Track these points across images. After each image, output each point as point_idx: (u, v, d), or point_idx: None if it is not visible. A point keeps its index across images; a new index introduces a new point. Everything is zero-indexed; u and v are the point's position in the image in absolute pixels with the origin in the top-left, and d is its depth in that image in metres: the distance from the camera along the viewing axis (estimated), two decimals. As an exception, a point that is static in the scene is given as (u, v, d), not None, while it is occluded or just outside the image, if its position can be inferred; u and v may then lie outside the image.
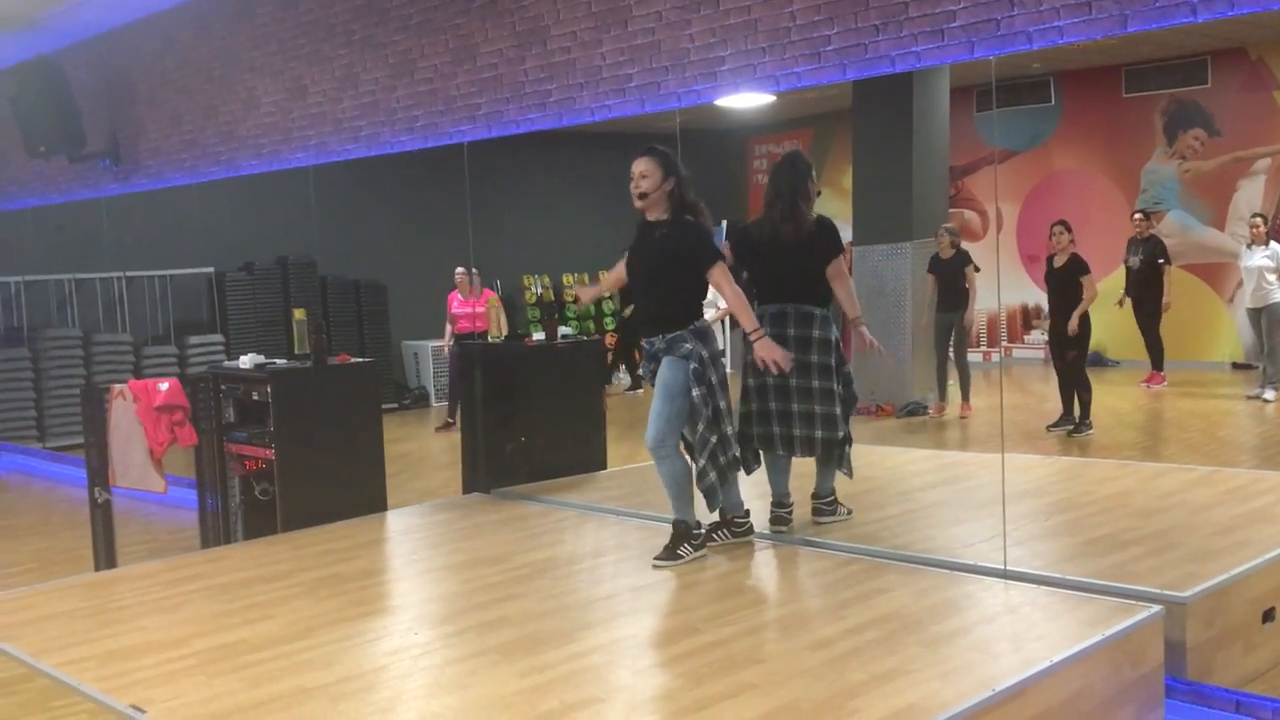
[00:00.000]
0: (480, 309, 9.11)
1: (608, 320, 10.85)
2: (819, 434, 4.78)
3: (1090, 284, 7.58)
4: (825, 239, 4.86)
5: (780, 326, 4.78)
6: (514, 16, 5.96)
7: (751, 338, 4.49)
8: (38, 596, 4.49)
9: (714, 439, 4.48)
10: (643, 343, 4.67)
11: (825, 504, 5.04)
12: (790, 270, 4.83)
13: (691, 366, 4.42)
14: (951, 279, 7.88)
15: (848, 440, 4.85)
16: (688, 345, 4.45)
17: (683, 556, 4.49)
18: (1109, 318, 8.66)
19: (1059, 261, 7.69)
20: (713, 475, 4.51)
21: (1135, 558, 4.24)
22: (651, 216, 4.59)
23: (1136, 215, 8.66)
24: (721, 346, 5.30)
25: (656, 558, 4.48)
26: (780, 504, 4.98)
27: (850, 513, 5.08)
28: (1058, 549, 4.61)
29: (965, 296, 8.00)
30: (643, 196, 4.53)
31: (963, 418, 7.72)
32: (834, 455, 4.85)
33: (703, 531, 4.62)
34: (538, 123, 5.93)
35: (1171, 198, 9.44)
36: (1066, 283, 7.60)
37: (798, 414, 4.81)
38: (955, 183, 9.29)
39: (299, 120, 7.29)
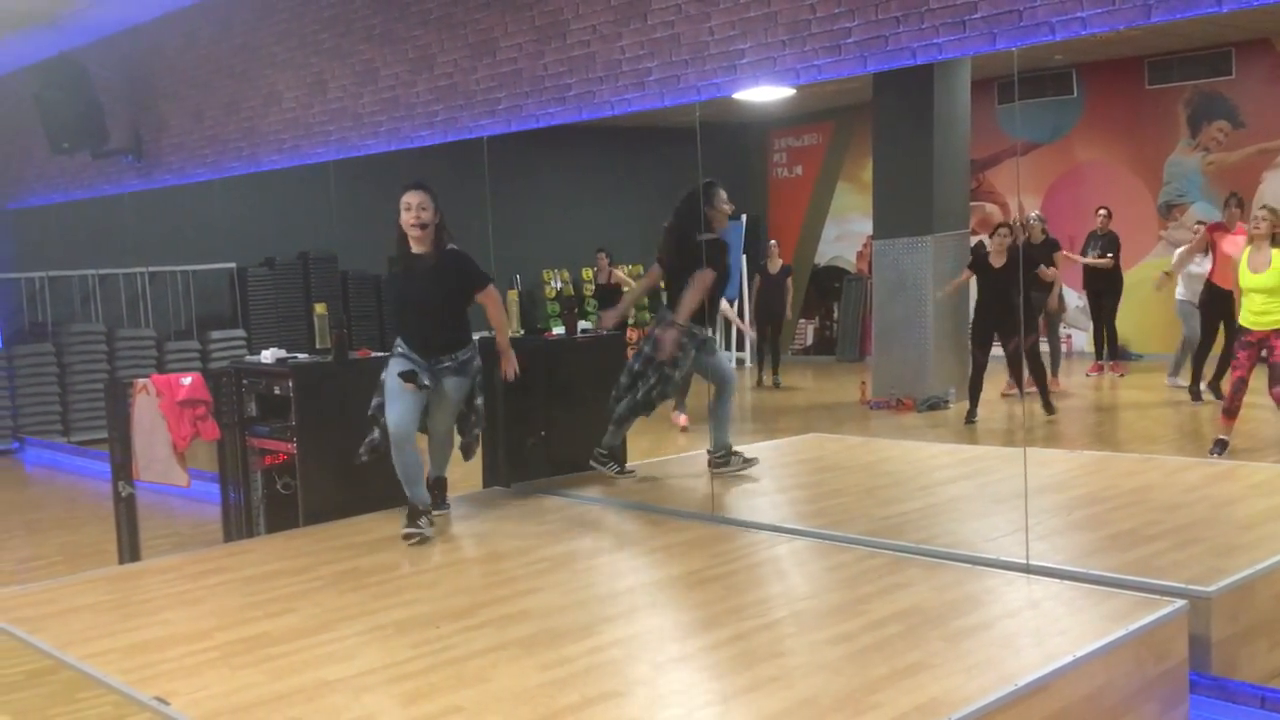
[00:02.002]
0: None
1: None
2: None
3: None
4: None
5: None
6: (533, 10, 5.96)
7: (500, 350, 5.47)
8: (63, 590, 4.53)
9: (475, 419, 5.39)
10: (410, 356, 5.13)
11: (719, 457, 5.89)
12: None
13: (479, 379, 5.31)
14: (1036, 266, 7.93)
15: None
16: (477, 363, 5.27)
17: (422, 529, 4.99)
18: (1131, 309, 8.60)
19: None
20: (478, 433, 5.45)
21: (1159, 552, 4.21)
22: (418, 249, 5.08)
23: (1100, 211, 8.67)
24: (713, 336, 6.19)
25: (402, 533, 5.02)
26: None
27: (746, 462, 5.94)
28: (1080, 543, 4.58)
29: (1050, 283, 8.03)
30: (423, 227, 5.02)
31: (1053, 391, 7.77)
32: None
33: (429, 506, 5.18)
34: (557, 117, 5.93)
35: (1195, 190, 9.35)
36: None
37: None
38: (976, 176, 9.23)
39: (319, 115, 7.31)
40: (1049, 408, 7.42)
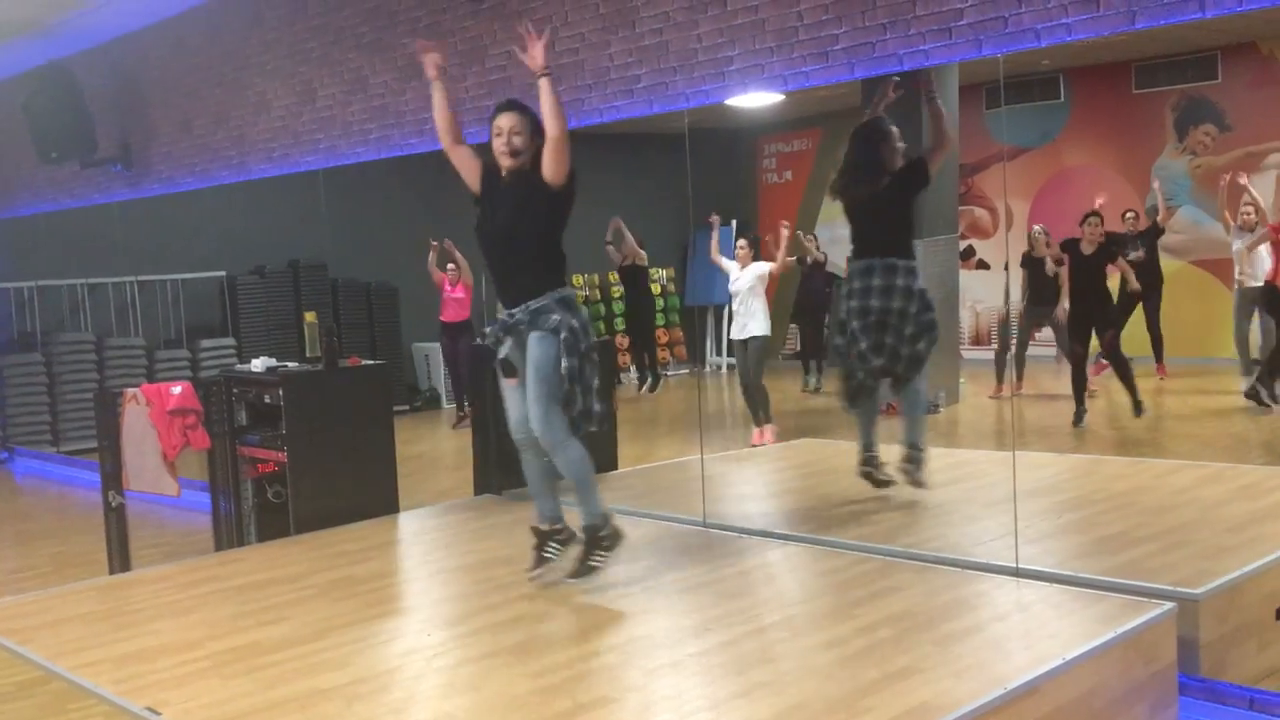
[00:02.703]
0: (456, 295, 9.37)
1: (618, 322, 10.86)
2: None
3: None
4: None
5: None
6: (521, 19, 5.97)
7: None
8: (53, 600, 4.52)
9: (580, 399, 4.10)
10: (500, 317, 4.24)
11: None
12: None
13: (562, 336, 4.03)
14: (1041, 275, 7.98)
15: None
16: (555, 316, 4.06)
17: (597, 566, 4.14)
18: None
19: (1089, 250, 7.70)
20: (593, 426, 4.21)
21: (1148, 555, 4.24)
22: (504, 176, 4.18)
23: (1130, 214, 8.66)
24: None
25: (569, 576, 4.16)
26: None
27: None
28: (1070, 546, 4.60)
29: (1058, 292, 8.07)
30: (515, 155, 4.13)
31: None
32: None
33: (613, 527, 4.21)
34: (546, 124, 5.93)
35: (1183, 194, 9.39)
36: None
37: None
38: (965, 180, 9.26)
39: (309, 124, 7.31)
40: (1138, 407, 7.10)
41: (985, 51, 4.29)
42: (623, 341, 10.96)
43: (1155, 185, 8.37)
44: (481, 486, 6.24)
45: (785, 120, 9.99)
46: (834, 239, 9.46)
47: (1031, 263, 8.02)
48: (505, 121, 4.18)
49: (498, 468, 6.19)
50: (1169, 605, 3.63)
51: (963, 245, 9.11)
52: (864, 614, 3.76)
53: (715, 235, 8.12)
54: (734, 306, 7.98)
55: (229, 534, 5.76)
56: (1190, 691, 3.64)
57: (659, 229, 8.83)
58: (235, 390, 5.74)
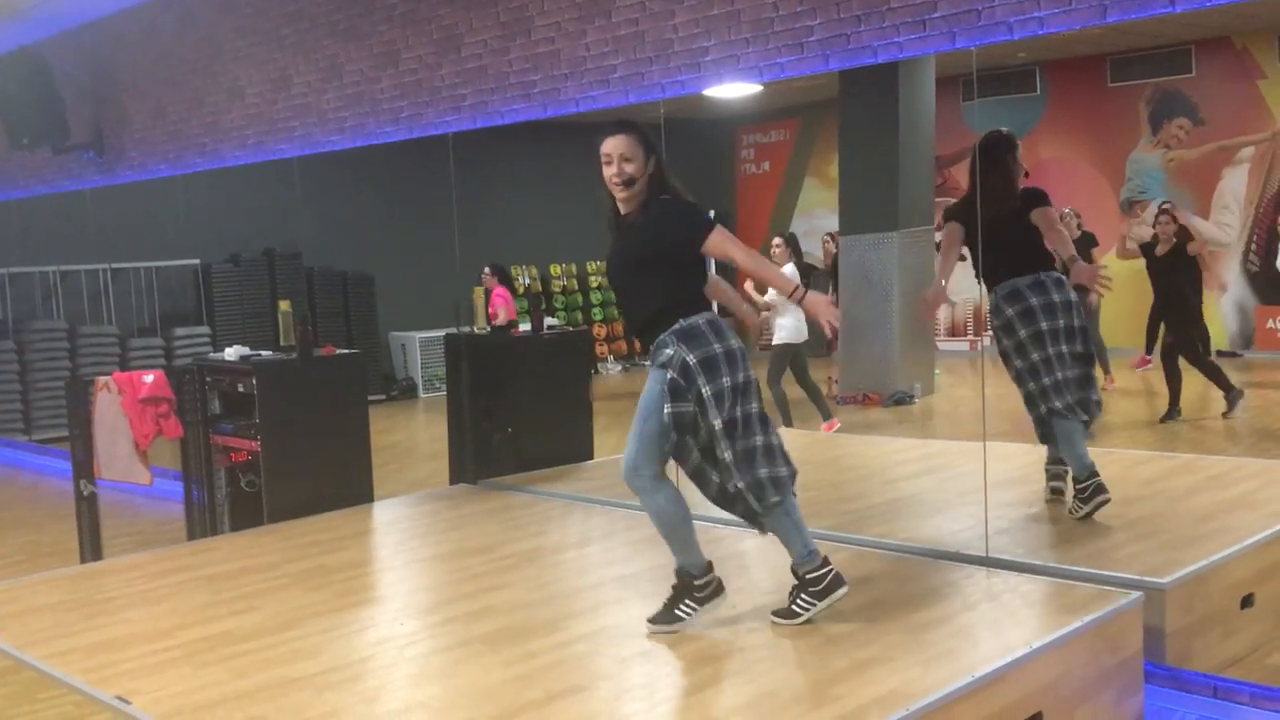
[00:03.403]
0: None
1: (595, 311, 10.86)
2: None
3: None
4: None
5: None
6: (498, 7, 5.95)
7: (793, 299, 3.63)
8: (24, 589, 4.49)
9: (728, 455, 3.52)
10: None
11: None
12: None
13: (668, 376, 3.52)
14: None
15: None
16: (668, 351, 3.55)
17: (683, 617, 3.60)
18: (1113, 304, 8.65)
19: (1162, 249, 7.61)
20: (750, 499, 3.56)
21: (1116, 545, 4.28)
22: (625, 209, 3.69)
23: (1166, 204, 8.63)
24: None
25: (650, 618, 3.64)
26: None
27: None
28: (1039, 536, 4.64)
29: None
30: (629, 183, 3.61)
31: (1105, 389, 7.73)
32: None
33: (712, 579, 3.67)
34: (522, 114, 5.93)
35: (1156, 187, 9.47)
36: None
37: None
38: (941, 172, 9.31)
39: (283, 111, 7.27)
40: (1232, 405, 6.85)
41: (959, 44, 4.31)
42: (601, 331, 10.96)
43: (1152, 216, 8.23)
44: (456, 476, 6.24)
45: (763, 111, 10.00)
46: (810, 230, 9.49)
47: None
48: (611, 146, 3.63)
49: (473, 457, 6.19)
50: (1135, 595, 3.67)
51: (938, 237, 9.13)
52: (835, 603, 3.78)
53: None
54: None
55: (202, 523, 5.74)
56: (1156, 679, 3.69)
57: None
58: (209, 379, 5.71)
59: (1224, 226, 8.70)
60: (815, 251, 9.31)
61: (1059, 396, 4.67)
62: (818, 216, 9.90)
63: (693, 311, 3.60)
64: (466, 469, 6.21)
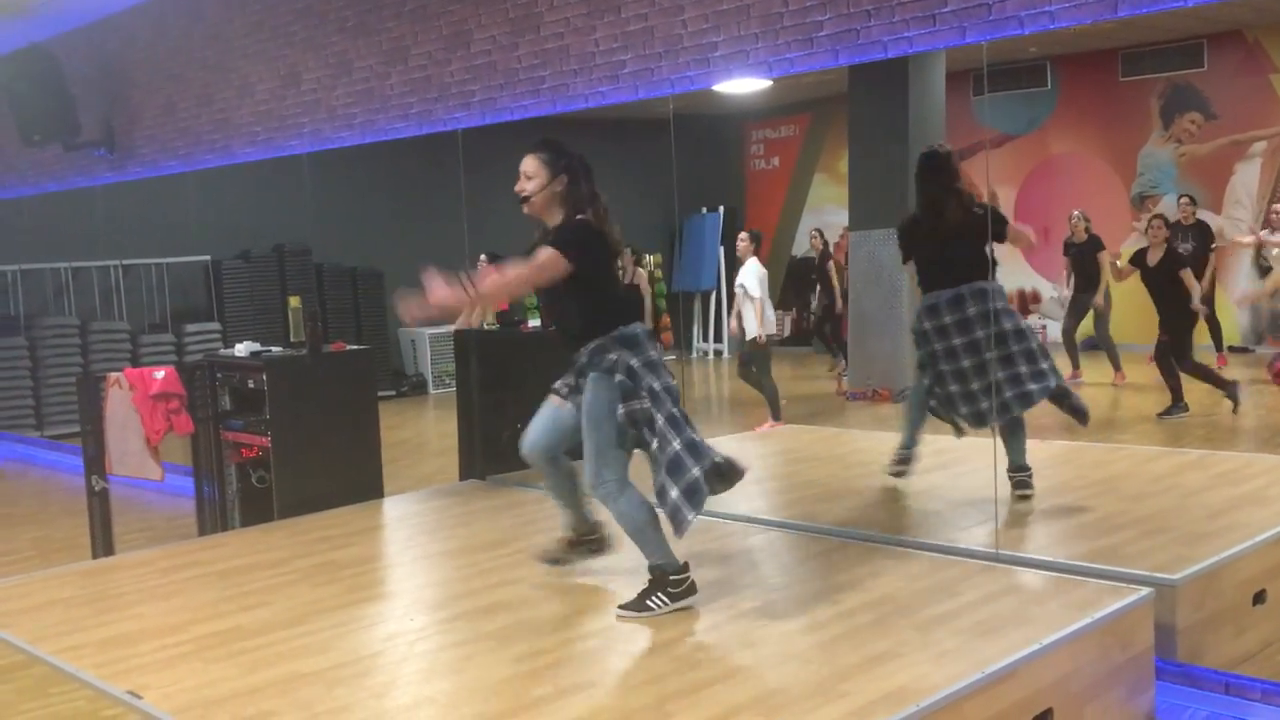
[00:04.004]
0: None
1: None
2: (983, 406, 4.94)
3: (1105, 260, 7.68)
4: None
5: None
6: (507, 3, 5.95)
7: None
8: (36, 584, 4.51)
9: (673, 448, 3.66)
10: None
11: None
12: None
13: (617, 379, 3.71)
14: (1084, 262, 7.98)
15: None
16: (611, 356, 3.73)
17: (653, 608, 3.72)
18: (1126, 299, 8.63)
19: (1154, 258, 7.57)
20: (674, 493, 3.65)
21: (1126, 541, 4.27)
22: (547, 221, 3.91)
23: (1183, 199, 8.59)
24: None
25: (621, 605, 3.78)
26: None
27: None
28: (1049, 532, 4.63)
29: (1097, 279, 8.05)
30: (525, 200, 3.89)
31: (1116, 385, 7.80)
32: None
33: (688, 577, 3.80)
34: (531, 109, 5.92)
35: (1168, 181, 9.43)
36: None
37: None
38: (952, 167, 9.27)
39: (293, 107, 7.28)
40: (1234, 400, 6.96)
41: (969, 39, 4.30)
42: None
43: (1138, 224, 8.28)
44: (466, 472, 6.25)
45: (772, 106, 9.98)
46: (821, 225, 9.47)
47: (1072, 249, 8.00)
48: (523, 165, 3.92)
49: (482, 453, 6.20)
50: (1146, 591, 3.66)
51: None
52: (844, 599, 3.78)
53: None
54: (738, 302, 7.85)
55: (212, 519, 5.76)
56: (1167, 676, 3.68)
57: (646, 216, 8.83)
58: (219, 375, 5.73)
59: (1236, 221, 8.67)
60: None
61: (969, 403, 5.02)
62: (827, 212, 9.88)
63: (625, 321, 3.81)
64: (476, 465, 6.21)
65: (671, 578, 3.76)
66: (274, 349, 5.77)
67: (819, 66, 4.78)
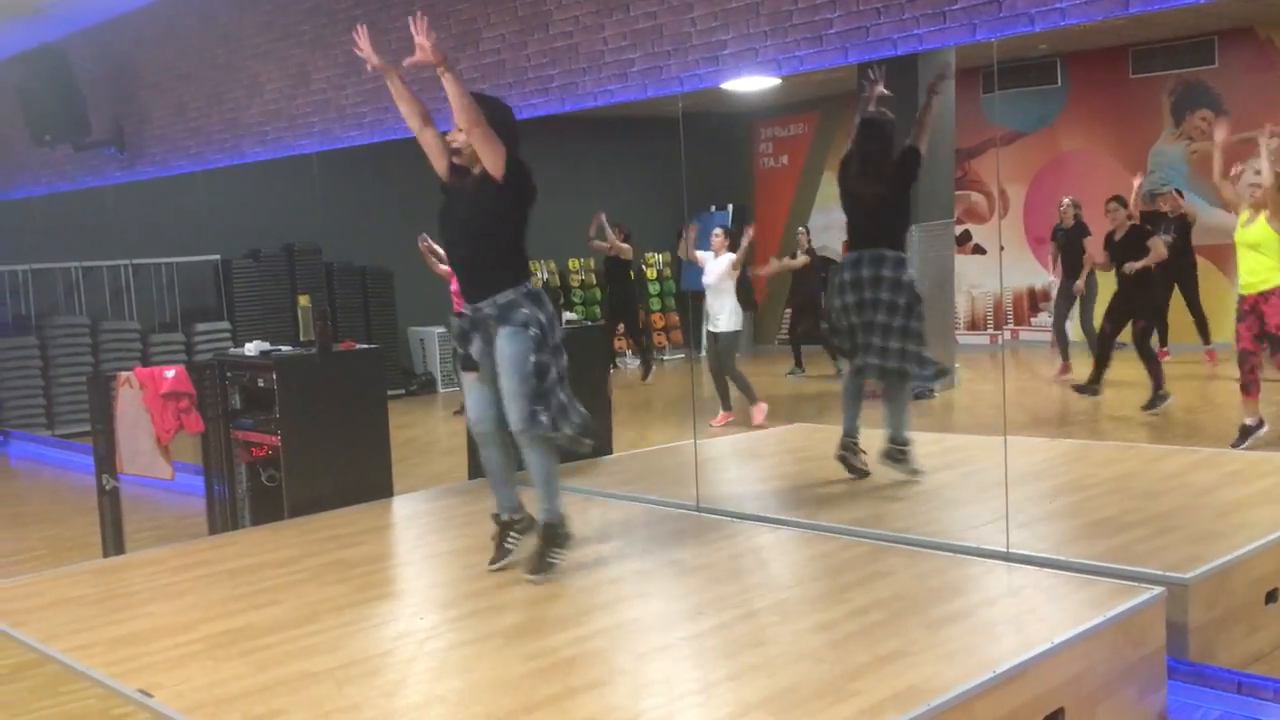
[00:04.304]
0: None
1: (654, 301, 10.85)
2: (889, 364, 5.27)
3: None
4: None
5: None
6: (516, 1, 5.95)
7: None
8: (47, 583, 4.53)
9: (558, 399, 4.09)
10: (464, 310, 4.20)
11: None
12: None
13: (532, 332, 4.02)
14: (1070, 249, 8.01)
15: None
16: (524, 311, 4.04)
17: (556, 563, 4.12)
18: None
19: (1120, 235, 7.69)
20: (568, 429, 4.11)
21: (1138, 539, 4.25)
22: (473, 168, 4.18)
23: (1172, 191, 8.60)
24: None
25: (528, 574, 4.10)
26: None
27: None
28: (1060, 531, 4.62)
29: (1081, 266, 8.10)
30: (456, 152, 4.21)
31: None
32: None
33: (564, 526, 4.21)
34: (540, 108, 5.92)
35: (1179, 179, 9.39)
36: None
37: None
38: (962, 165, 9.25)
39: (303, 107, 7.29)
40: (1153, 405, 6.96)
41: (979, 36, 4.28)
42: (619, 327, 10.95)
43: (1136, 183, 8.33)
44: (476, 470, 6.23)
45: (781, 104, 9.96)
46: (829, 224, 9.46)
47: (1060, 234, 7.99)
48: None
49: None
50: (1158, 590, 3.65)
51: (959, 230, 9.10)
52: (855, 598, 3.77)
53: (691, 235, 8.16)
54: (706, 299, 8.05)
55: (223, 517, 5.77)
56: (1179, 675, 3.66)
57: (654, 214, 8.83)
58: (229, 374, 5.74)
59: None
60: (834, 245, 9.29)
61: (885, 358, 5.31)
62: (837, 211, 9.85)
63: (528, 276, 4.17)
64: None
65: (558, 533, 4.16)
66: (284, 348, 5.78)
67: (829, 64, 4.77)
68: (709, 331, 7.90)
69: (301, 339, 5.91)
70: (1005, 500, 4.42)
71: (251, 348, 5.71)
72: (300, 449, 5.47)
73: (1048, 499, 5.01)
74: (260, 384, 5.56)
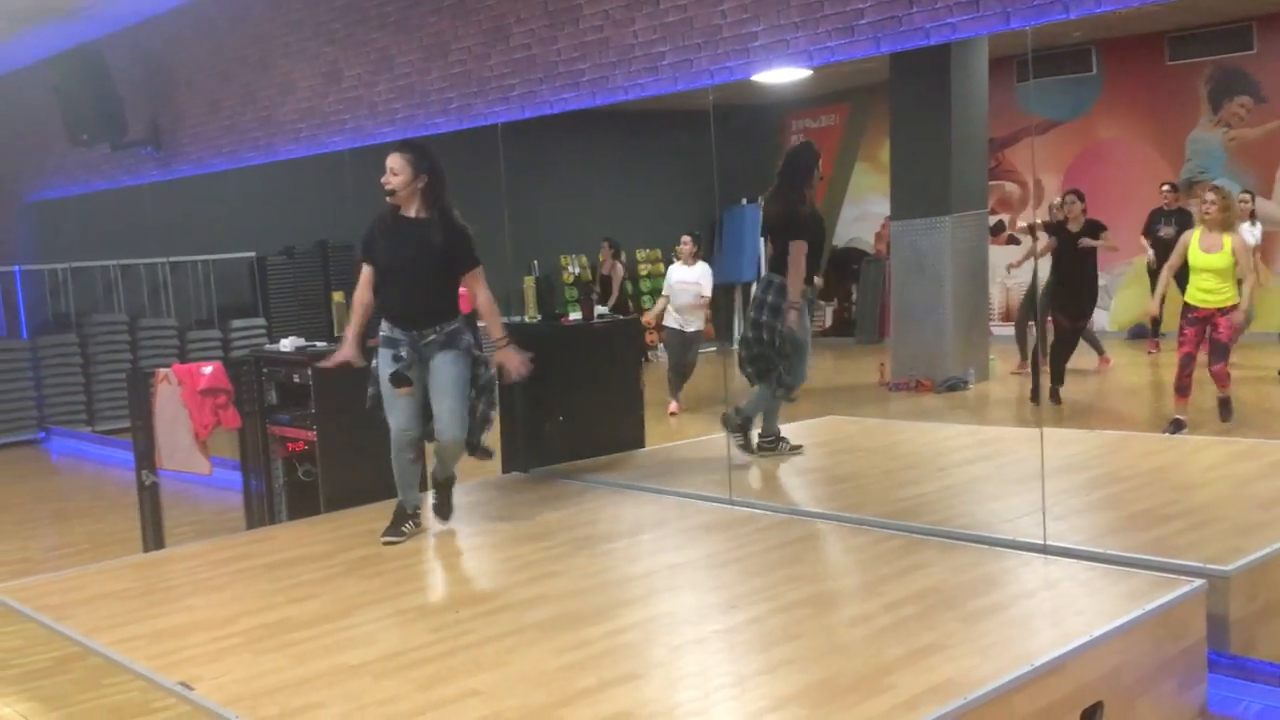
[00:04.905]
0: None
1: (645, 299, 10.85)
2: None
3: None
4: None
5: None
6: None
7: (498, 344, 4.88)
8: (89, 577, 4.59)
9: (485, 411, 4.90)
10: (392, 334, 4.77)
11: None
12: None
13: (475, 354, 4.80)
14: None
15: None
16: (467, 337, 4.77)
17: (406, 533, 4.84)
18: (1134, 290, 8.50)
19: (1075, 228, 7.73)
20: (481, 437, 4.92)
21: (1177, 531, 4.20)
22: (407, 212, 4.78)
23: (1164, 187, 8.55)
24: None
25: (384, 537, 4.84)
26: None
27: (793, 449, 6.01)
28: (1098, 523, 4.57)
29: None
30: (391, 193, 4.75)
31: (1099, 371, 7.95)
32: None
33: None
34: (571, 103, 5.93)
35: (1217, 167, 9.26)
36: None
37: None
38: (995, 155, 9.17)
39: (335, 104, 7.34)
40: (1054, 397, 7.26)
41: (1013, 24, 4.24)
42: (650, 320, 10.96)
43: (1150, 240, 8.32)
44: (509, 464, 6.27)
45: (812, 96, 9.91)
46: (861, 215, 9.42)
47: (1057, 229, 7.93)
48: (388, 161, 4.78)
49: (525, 446, 6.22)
50: (1198, 582, 3.61)
51: (993, 220, 9.03)
52: (889, 591, 3.76)
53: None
54: (677, 302, 8.04)
55: (260, 512, 5.83)
56: (1219, 668, 3.62)
57: (685, 208, 8.82)
58: (265, 370, 5.79)
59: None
60: (866, 237, 9.26)
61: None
62: (869, 202, 9.82)
63: (457, 307, 4.82)
64: (518, 457, 6.23)
65: (411, 514, 4.91)
66: (318, 344, 5.82)
67: (860, 55, 4.74)
68: (686, 331, 7.95)
69: (336, 335, 5.95)
70: (1042, 492, 4.38)
71: (287, 344, 5.75)
72: (336, 444, 5.50)
73: (1085, 491, 4.96)
74: (296, 380, 5.60)
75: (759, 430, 6.08)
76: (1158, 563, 3.81)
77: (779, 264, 5.89)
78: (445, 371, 4.72)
